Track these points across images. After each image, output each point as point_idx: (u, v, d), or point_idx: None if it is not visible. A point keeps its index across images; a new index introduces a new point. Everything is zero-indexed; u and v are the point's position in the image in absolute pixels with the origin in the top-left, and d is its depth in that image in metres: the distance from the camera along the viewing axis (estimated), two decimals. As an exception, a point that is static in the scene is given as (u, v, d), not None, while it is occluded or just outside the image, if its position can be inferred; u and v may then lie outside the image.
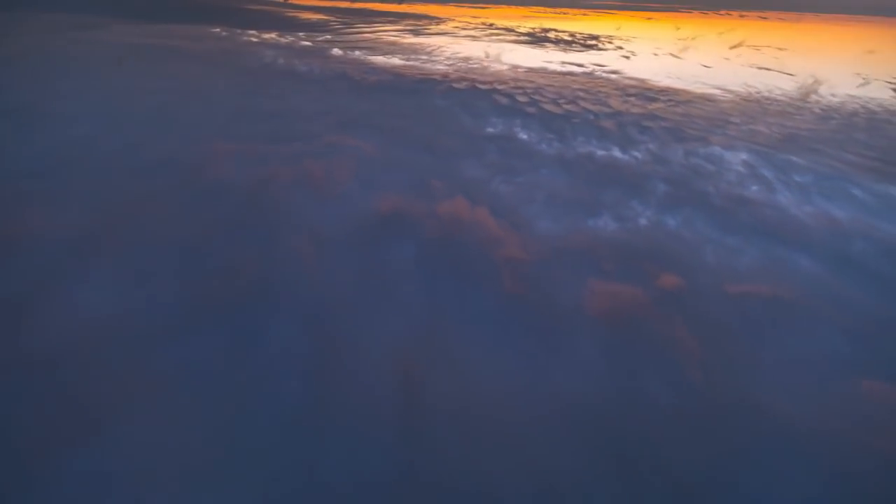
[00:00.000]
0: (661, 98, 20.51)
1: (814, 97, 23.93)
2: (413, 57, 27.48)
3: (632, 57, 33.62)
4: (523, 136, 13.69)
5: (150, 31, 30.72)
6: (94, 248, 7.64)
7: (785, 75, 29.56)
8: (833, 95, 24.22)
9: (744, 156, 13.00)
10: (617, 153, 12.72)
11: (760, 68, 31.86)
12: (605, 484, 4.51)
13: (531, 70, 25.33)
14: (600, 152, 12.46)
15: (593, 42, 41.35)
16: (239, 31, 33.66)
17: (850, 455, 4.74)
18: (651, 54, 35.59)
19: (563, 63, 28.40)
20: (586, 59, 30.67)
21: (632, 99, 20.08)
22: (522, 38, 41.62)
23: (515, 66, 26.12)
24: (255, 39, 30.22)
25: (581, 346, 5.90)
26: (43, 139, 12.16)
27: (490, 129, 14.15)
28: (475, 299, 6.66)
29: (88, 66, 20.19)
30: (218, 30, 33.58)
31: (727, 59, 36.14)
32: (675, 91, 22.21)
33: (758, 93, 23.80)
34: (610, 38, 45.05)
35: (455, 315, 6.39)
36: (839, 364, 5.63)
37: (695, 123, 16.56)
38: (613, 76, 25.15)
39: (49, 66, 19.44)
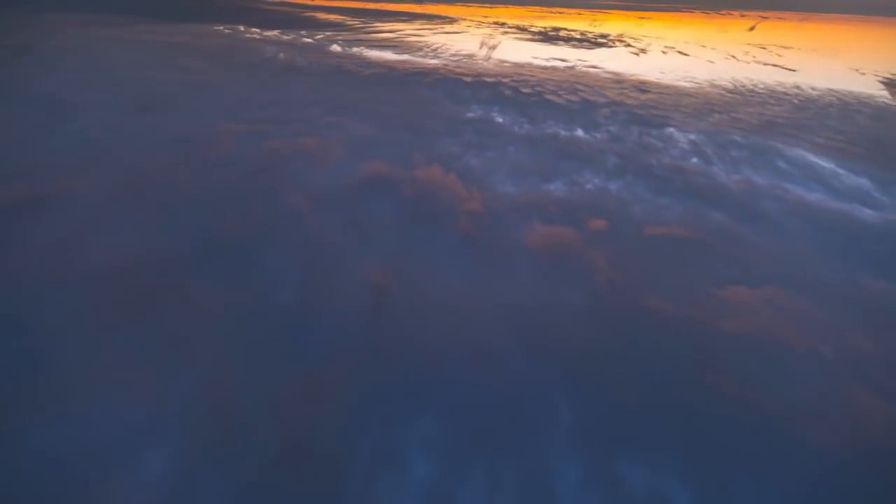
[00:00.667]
0: (653, 90, 22.02)
1: (794, 90, 25.47)
2: (419, 53, 29.05)
3: (639, 54, 35.13)
4: (499, 119, 15.27)
5: (161, 29, 32.35)
6: (124, 203, 9.23)
7: (786, 71, 31.06)
8: (813, 89, 25.74)
9: (709, 138, 14.51)
10: (584, 133, 14.29)
11: (765, 65, 33.32)
12: (527, 356, 6.07)
13: (537, 65, 26.88)
14: (564, 133, 14.05)
15: (602, 41, 42.71)
16: (242, 28, 35.25)
17: (709, 335, 6.31)
18: (658, 51, 37.08)
19: (569, 59, 29.90)
20: (592, 56, 32.19)
21: (626, 90, 21.60)
22: (536, 36, 43.03)
23: (525, 62, 27.67)
24: (257, 36, 31.82)
25: (519, 268, 7.48)
26: (69, 122, 13.71)
27: (470, 114, 15.74)
28: (438, 238, 8.24)
29: (104, 59, 21.78)
30: (221, 27, 35.18)
31: (732, 55, 37.59)
32: (669, 85, 23.72)
33: (744, 86, 25.31)
34: (620, 37, 46.43)
35: (421, 249, 7.97)
36: (719, 279, 7.20)
37: (680, 110, 18.11)
38: (610, 71, 26.64)
39: (68, 60, 21.03)
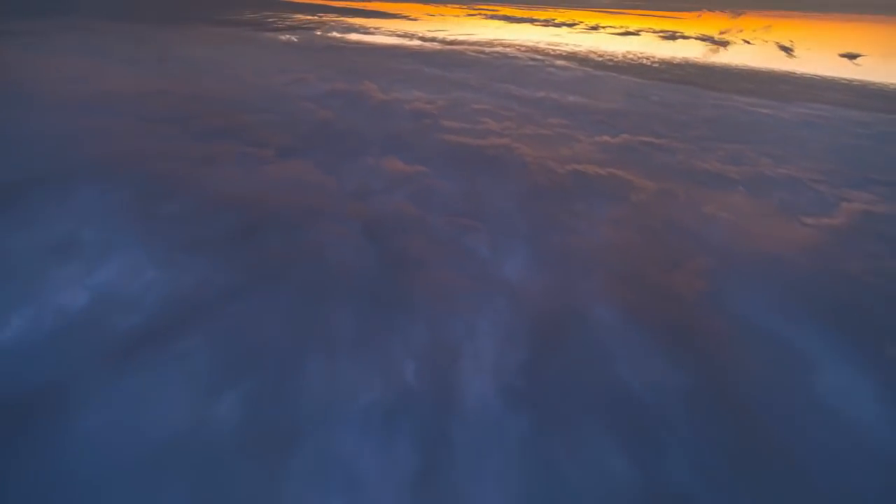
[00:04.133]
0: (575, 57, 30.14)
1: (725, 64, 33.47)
2: (389, 37, 37.49)
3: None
4: (425, 70, 23.62)
5: (197, 30, 40.96)
6: (208, 96, 17.59)
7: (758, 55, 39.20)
8: (746, 65, 33.49)
9: (559, 78, 22.70)
10: (472, 76, 22.56)
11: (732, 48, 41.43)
12: (381, 138, 14.40)
13: (473, 40, 35.20)
14: (462, 75, 22.36)
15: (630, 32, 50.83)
16: (257, 20, 43.77)
17: (477, 147, 14.60)
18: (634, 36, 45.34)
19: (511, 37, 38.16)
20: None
21: (528, 55, 29.66)
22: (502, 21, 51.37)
23: (467, 39, 36.02)
24: (266, 24, 40.36)
25: (396, 116, 15.82)
26: (158, 67, 22.08)
27: (405, 68, 24.09)
28: (360, 107, 16.62)
29: (162, 45, 30.28)
30: (237, 20, 43.71)
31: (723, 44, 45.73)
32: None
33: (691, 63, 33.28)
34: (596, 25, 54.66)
35: (350, 110, 16.34)
36: (486, 118, 15.51)
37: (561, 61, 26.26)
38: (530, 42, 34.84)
39: (127, 44, 29.58)
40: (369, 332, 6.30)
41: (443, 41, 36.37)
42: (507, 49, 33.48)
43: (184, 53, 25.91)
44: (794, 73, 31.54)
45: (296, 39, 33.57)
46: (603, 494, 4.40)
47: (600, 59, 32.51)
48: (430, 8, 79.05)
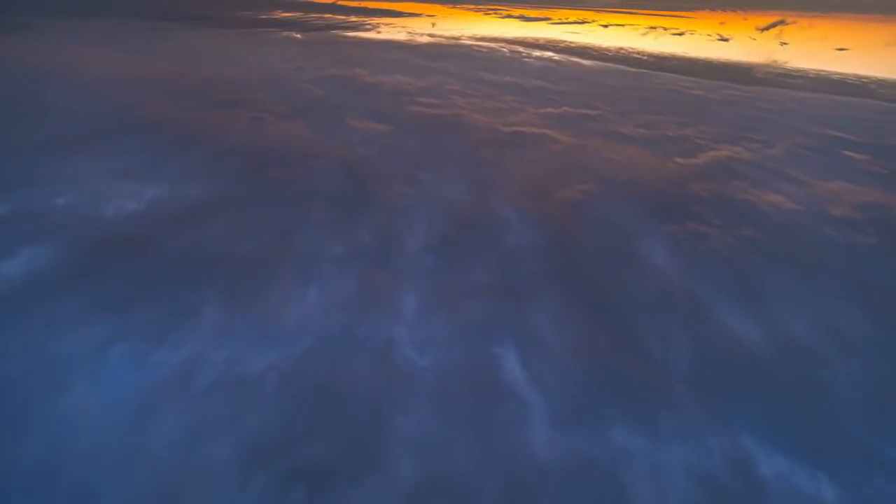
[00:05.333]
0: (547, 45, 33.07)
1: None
2: (382, 34, 40.41)
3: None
4: (413, 60, 26.55)
5: (216, 32, 43.91)
6: (225, 75, 20.57)
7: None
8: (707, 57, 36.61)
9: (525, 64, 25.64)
10: (452, 65, 25.48)
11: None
12: (356, 100, 17.38)
13: (468, 34, 38.13)
14: (444, 65, 25.29)
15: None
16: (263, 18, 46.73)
17: (444, 118, 17.55)
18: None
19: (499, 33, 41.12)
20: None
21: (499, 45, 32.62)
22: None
23: (458, 35, 38.95)
24: (271, 22, 43.32)
25: (380, 96, 18.76)
26: (191, 56, 25.04)
27: (392, 58, 27.03)
28: (351, 88, 19.54)
29: (184, 41, 33.25)
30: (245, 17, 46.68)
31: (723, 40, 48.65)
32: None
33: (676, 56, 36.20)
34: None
35: (342, 91, 19.28)
36: (454, 93, 18.45)
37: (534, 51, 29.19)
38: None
39: (163, 44, 32.54)
40: (341, 220, 9.27)
41: (447, 37, 39.36)
42: (500, 44, 36.43)
43: (202, 47, 28.91)
44: (775, 65, 34.37)
45: (312, 35, 36.53)
46: (474, 288, 7.36)
47: (596, 52, 35.50)
48: (447, 9, 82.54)
